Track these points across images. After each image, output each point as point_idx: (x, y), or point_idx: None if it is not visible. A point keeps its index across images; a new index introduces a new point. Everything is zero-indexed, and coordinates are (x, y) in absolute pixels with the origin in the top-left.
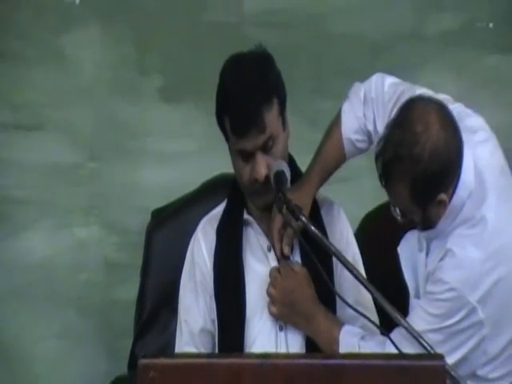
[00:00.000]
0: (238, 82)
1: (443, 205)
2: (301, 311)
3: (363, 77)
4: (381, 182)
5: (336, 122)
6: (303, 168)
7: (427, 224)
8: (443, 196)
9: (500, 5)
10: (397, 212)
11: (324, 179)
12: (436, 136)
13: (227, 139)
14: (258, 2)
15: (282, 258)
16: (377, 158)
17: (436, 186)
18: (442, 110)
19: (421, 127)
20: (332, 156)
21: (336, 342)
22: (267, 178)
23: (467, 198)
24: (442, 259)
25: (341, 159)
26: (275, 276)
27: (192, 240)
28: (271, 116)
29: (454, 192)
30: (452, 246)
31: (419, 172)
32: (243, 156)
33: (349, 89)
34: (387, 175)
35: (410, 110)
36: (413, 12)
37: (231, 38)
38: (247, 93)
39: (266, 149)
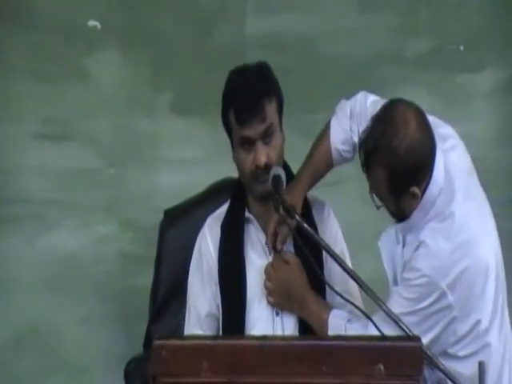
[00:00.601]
0: (241, 80)
1: (415, 197)
2: (295, 298)
3: (349, 93)
4: (362, 169)
5: (325, 133)
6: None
7: (401, 214)
8: (416, 189)
9: (469, 29)
10: (374, 198)
11: (313, 183)
12: (413, 134)
13: (231, 136)
14: (258, 28)
15: (274, 251)
16: (360, 147)
17: (410, 178)
18: (419, 113)
19: (400, 124)
20: (321, 163)
21: (325, 324)
22: (267, 165)
23: (438, 195)
24: (416, 250)
25: (328, 166)
26: (269, 270)
27: (199, 235)
28: (271, 109)
29: (426, 188)
30: (425, 238)
31: (395, 162)
32: (245, 146)
33: (336, 104)
34: (368, 163)
35: (392, 109)
36: (392, 37)
37: (233, 59)
38: (250, 87)
39: (266, 138)
